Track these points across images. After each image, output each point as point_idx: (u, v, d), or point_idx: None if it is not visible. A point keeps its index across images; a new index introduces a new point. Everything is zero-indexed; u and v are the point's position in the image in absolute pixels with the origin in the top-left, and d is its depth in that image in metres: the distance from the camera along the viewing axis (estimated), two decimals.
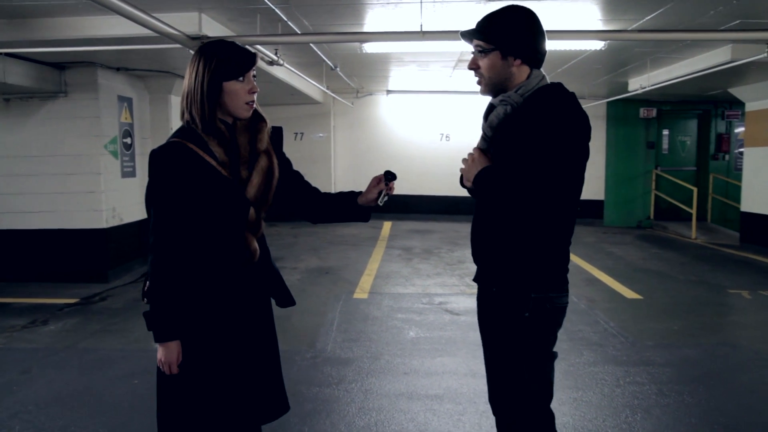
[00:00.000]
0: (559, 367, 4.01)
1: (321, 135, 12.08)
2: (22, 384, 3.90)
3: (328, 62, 7.56)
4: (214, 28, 5.24)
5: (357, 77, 10.02)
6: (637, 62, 7.85)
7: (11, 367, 4.21)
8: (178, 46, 4.81)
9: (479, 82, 2.01)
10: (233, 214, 1.92)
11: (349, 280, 6.82)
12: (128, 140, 7.30)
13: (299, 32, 5.59)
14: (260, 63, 6.16)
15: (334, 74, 8.57)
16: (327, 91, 9.76)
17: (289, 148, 9.24)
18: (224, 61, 1.87)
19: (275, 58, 5.92)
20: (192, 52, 4.95)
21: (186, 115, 1.91)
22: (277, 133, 2.12)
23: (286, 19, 5.25)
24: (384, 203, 2.09)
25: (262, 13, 5.12)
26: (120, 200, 7.03)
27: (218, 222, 1.91)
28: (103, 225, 6.76)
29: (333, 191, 12.73)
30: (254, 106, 1.96)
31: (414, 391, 3.74)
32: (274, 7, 4.89)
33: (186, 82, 1.90)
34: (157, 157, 1.87)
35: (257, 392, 2.03)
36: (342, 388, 3.77)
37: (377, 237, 10.01)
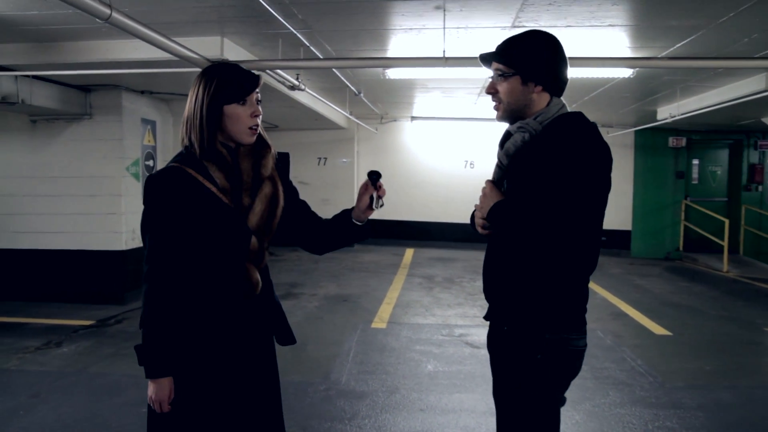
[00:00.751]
0: (584, 408, 3.83)
1: (345, 160, 12.05)
2: (29, 408, 3.82)
3: (352, 88, 7.53)
4: (236, 52, 5.23)
5: (381, 103, 9.99)
6: (666, 91, 7.67)
7: (21, 391, 4.14)
8: (199, 70, 4.79)
9: (496, 107, 1.91)
10: (233, 243, 1.82)
11: (368, 308, 6.68)
12: (150, 163, 7.32)
13: (321, 57, 5.55)
14: (281, 88, 6.16)
15: (358, 100, 8.55)
16: (351, 116, 9.74)
17: (313, 173, 9.27)
18: (225, 83, 1.79)
19: (296, 83, 5.89)
20: None
21: (185, 140, 1.83)
22: (283, 160, 2.03)
23: (308, 44, 5.22)
24: (381, 206, 1.94)
25: (284, 38, 5.10)
26: (140, 222, 7.01)
27: (217, 251, 1.81)
28: (122, 247, 6.75)
29: None
30: (258, 130, 1.86)
31: (429, 429, 3.58)
32: (296, 32, 4.86)
33: (186, 106, 1.83)
34: (153, 182, 1.78)
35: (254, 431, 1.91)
36: (354, 424, 3.62)
37: (399, 264, 9.88)
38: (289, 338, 2.01)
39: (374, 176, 1.93)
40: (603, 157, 1.72)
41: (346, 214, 2.00)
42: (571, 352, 1.81)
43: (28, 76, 5.73)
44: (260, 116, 1.85)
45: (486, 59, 1.91)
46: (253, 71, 1.87)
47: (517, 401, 1.83)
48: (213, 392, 1.83)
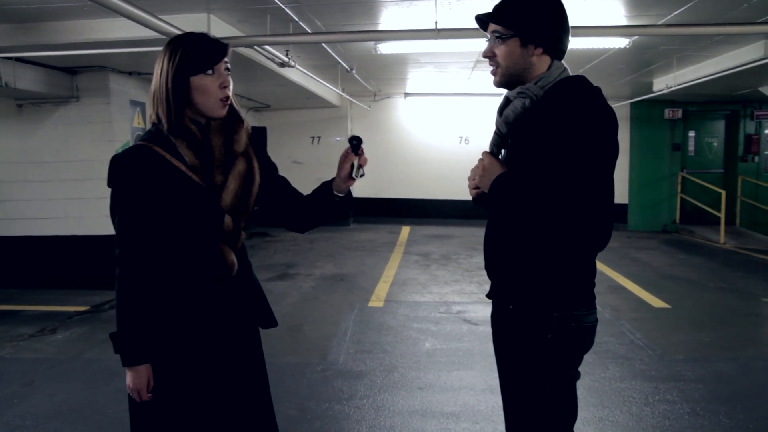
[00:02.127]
0: (583, 383, 3.78)
1: (338, 139, 11.93)
2: (24, 396, 3.77)
3: (344, 64, 7.40)
4: (222, 29, 5.11)
5: (374, 80, 9.86)
6: (662, 61, 7.56)
7: (15, 379, 4.09)
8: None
9: (494, 72, 1.79)
10: (205, 223, 1.73)
11: (365, 287, 6.64)
12: None
13: (310, 32, 5.43)
14: (271, 65, 6.03)
15: (350, 77, 8.42)
16: (343, 94, 9.62)
17: (306, 153, 9.18)
18: (190, 53, 1.68)
19: (286, 59, 5.78)
20: None
21: (153, 116, 1.73)
22: (260, 135, 1.94)
23: (297, 19, 5.10)
24: (362, 175, 1.83)
25: (272, 14, 4.97)
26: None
27: (189, 232, 1.72)
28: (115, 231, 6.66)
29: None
30: (229, 103, 1.76)
31: (428, 408, 3.54)
32: (284, 7, 4.74)
33: (153, 80, 1.73)
34: (118, 162, 1.69)
35: (239, 418, 1.85)
36: (353, 404, 3.58)
37: (395, 242, 9.82)
38: (269, 321, 1.94)
39: (355, 141, 1.81)
40: (609, 122, 1.61)
41: (326, 186, 1.90)
42: (581, 329, 1.73)
43: (11, 58, 5.59)
44: (230, 87, 1.75)
45: (482, 21, 1.80)
46: (220, 39, 1.78)
47: (531, 382, 1.75)
48: (192, 377, 1.76)
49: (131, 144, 6.68)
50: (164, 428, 1.77)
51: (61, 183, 6.70)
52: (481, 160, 1.76)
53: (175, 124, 1.70)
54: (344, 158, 1.84)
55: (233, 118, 1.82)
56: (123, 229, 1.69)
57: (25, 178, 6.77)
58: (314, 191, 1.93)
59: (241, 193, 1.78)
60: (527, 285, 1.73)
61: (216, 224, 1.74)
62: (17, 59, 5.67)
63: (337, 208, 1.91)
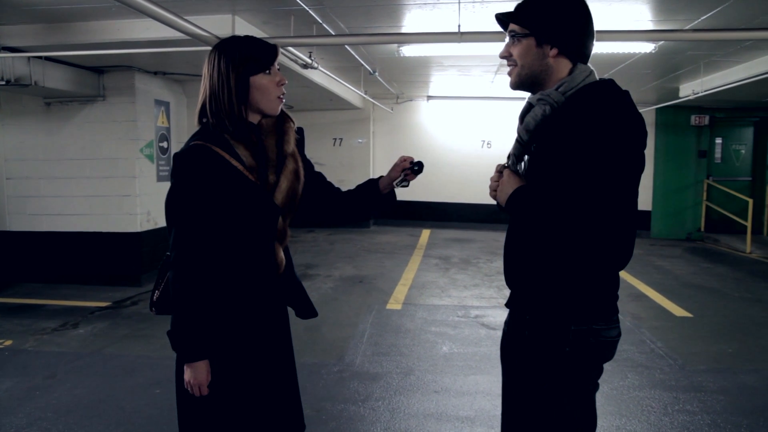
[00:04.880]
0: (601, 391, 3.72)
1: (360, 141, 11.96)
2: (45, 389, 3.84)
3: (366, 66, 7.42)
4: (247, 30, 5.15)
5: (397, 82, 9.87)
6: (689, 66, 7.45)
7: (37, 371, 4.16)
8: (210, 48, 4.72)
9: (510, 73, 1.74)
10: (263, 222, 1.79)
11: (384, 289, 6.64)
12: (164, 144, 7.29)
13: (334, 34, 5.45)
14: (294, 66, 6.07)
15: (373, 79, 8.44)
16: (366, 96, 9.63)
17: (328, 154, 9.22)
18: (248, 54, 1.75)
19: (309, 60, 5.80)
20: None
21: (211, 119, 1.76)
22: (299, 134, 1.98)
23: (320, 21, 5.12)
24: (403, 186, 2.04)
25: (296, 15, 5.01)
26: (155, 204, 7.01)
27: (247, 232, 1.78)
28: (138, 229, 6.75)
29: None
30: (284, 100, 1.84)
31: (444, 411, 3.53)
32: (308, 9, 4.77)
33: (207, 83, 1.77)
34: (182, 160, 1.72)
35: (277, 410, 1.91)
36: (368, 406, 3.58)
37: (415, 245, 9.81)
38: (310, 311, 2.02)
39: (417, 166, 2.05)
40: (634, 132, 1.52)
41: (373, 182, 2.05)
42: (600, 343, 1.65)
43: (40, 57, 5.70)
44: (285, 83, 1.83)
45: (503, 21, 1.75)
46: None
47: (548, 395, 1.67)
48: (243, 370, 1.82)
49: (155, 143, 6.80)
50: (214, 422, 1.82)
51: (85, 180, 6.81)
52: (501, 174, 1.71)
53: (238, 124, 1.76)
54: (400, 162, 2.03)
55: (283, 119, 1.89)
56: (183, 231, 1.72)
57: (51, 175, 6.89)
58: (360, 186, 2.06)
59: (291, 192, 1.84)
60: (544, 296, 1.67)
61: (272, 223, 1.80)
62: (46, 58, 5.78)
63: (382, 202, 2.05)
